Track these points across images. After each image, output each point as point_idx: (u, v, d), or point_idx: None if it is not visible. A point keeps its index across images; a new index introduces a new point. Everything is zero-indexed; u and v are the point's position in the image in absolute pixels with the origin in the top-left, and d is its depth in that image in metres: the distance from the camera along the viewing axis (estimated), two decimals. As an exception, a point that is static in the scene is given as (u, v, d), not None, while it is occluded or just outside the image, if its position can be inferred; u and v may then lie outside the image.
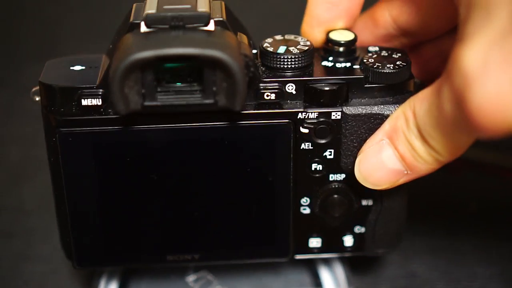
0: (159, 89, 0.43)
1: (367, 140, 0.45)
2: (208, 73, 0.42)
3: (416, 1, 0.50)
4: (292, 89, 0.45)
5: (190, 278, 0.55)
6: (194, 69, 0.43)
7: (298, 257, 0.51)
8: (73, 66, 0.46)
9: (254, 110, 0.45)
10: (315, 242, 0.50)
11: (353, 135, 0.46)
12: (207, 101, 0.43)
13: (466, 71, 0.35)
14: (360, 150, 0.45)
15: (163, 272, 0.55)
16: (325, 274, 0.55)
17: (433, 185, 0.63)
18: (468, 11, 0.37)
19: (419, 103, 0.41)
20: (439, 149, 0.41)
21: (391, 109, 0.45)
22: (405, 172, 0.43)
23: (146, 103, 0.42)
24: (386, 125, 0.44)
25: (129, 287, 0.54)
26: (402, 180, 0.44)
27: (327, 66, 0.47)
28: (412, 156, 0.42)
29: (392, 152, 0.43)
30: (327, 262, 0.55)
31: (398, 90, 0.46)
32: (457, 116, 0.37)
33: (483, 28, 0.35)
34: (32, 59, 0.81)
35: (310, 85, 0.45)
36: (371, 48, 0.48)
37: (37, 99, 0.46)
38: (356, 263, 0.55)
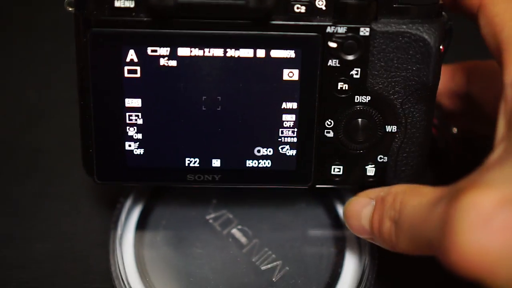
0: None
1: (369, 189, 0.48)
2: None
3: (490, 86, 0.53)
4: (322, 4, 0.45)
5: (211, 215, 0.55)
6: None
7: (319, 186, 0.51)
8: None
9: (283, 21, 0.45)
10: (336, 170, 0.50)
11: (380, 53, 0.46)
12: (239, 2, 0.44)
13: (470, 216, 0.35)
14: (362, 193, 0.48)
15: (183, 210, 0.55)
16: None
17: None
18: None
19: (413, 197, 0.43)
20: (401, 241, 0.43)
21: (420, 28, 0.45)
22: (370, 235, 0.47)
23: (179, 0, 0.43)
24: (382, 192, 0.47)
25: (148, 224, 0.54)
26: (368, 239, 0.48)
27: None
28: (378, 228, 0.46)
29: (370, 214, 0.47)
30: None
31: (426, 13, 0.46)
32: (435, 236, 0.38)
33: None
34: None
35: (340, 0, 0.45)
36: None
37: (70, 9, 0.46)
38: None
